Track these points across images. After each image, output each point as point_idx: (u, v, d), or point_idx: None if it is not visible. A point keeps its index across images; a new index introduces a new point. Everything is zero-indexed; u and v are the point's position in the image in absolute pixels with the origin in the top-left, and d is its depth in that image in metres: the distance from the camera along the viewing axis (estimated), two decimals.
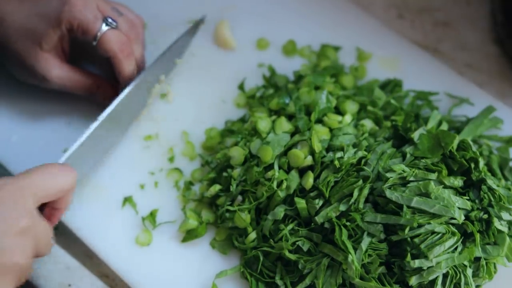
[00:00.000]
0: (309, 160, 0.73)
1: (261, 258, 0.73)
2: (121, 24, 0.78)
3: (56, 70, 0.77)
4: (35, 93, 0.83)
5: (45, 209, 0.67)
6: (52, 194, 0.64)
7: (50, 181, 0.63)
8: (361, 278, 0.68)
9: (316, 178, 0.73)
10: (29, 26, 0.75)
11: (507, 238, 0.70)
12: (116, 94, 0.78)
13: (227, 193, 0.76)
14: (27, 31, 0.75)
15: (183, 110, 0.85)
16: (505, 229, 0.70)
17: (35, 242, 0.61)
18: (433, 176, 0.70)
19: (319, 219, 0.70)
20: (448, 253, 0.67)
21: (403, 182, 0.70)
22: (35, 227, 0.61)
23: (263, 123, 0.77)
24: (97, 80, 0.80)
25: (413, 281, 0.68)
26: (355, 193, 0.70)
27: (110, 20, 0.76)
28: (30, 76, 0.78)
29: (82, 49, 0.83)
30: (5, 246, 0.58)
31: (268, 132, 0.77)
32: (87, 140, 0.74)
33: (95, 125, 0.74)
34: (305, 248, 0.71)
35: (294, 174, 0.73)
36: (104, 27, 0.76)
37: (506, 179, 0.76)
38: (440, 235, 0.67)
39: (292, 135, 0.76)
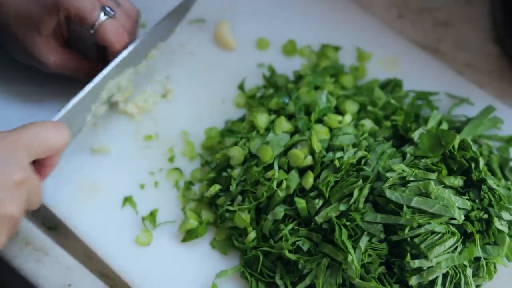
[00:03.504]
0: (309, 160, 0.73)
1: (261, 258, 0.73)
2: (118, 14, 0.78)
3: (54, 55, 0.78)
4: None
5: (35, 165, 0.67)
6: (45, 151, 0.65)
7: (44, 138, 0.64)
8: (361, 278, 0.68)
9: (316, 178, 0.73)
10: (28, 12, 0.75)
11: (507, 238, 0.70)
12: None
13: (227, 193, 0.76)
14: (25, 16, 0.75)
15: (183, 110, 0.85)
16: (505, 229, 0.70)
17: (27, 195, 0.63)
18: (433, 176, 0.70)
19: (319, 219, 0.70)
20: (448, 253, 0.67)
21: (403, 182, 0.70)
22: (28, 182, 0.62)
23: (262, 119, 0.77)
24: (94, 64, 0.81)
25: (413, 281, 0.68)
26: (355, 193, 0.70)
27: (108, 9, 0.76)
28: (28, 59, 0.79)
29: (79, 33, 0.84)
30: (1, 197, 0.59)
31: (266, 128, 0.77)
32: (81, 101, 0.75)
33: (89, 87, 0.75)
34: (305, 248, 0.71)
35: (294, 174, 0.73)
36: (103, 16, 0.76)
37: (506, 179, 0.76)
38: (440, 235, 0.67)
39: (292, 135, 0.76)
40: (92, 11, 0.75)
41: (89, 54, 0.83)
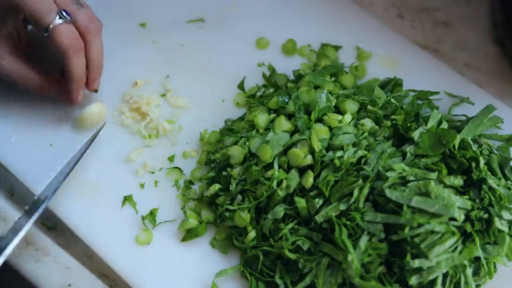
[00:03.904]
0: (309, 159, 0.73)
1: (261, 258, 0.73)
2: (80, 16, 0.76)
3: (6, 60, 0.76)
4: (34, 94, 0.83)
5: None
6: None
7: None
8: (361, 277, 0.67)
9: (316, 177, 0.73)
10: None
11: (507, 238, 0.70)
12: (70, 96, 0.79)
13: (227, 192, 0.76)
14: None
15: (183, 109, 0.85)
16: (505, 228, 0.70)
17: None
18: (433, 175, 0.70)
19: (319, 218, 0.70)
20: (448, 252, 0.67)
21: (403, 181, 0.70)
22: None
23: (262, 118, 0.77)
24: (50, 81, 0.79)
25: (413, 280, 0.67)
26: (355, 193, 0.70)
27: (64, 13, 0.74)
28: None
29: (41, 44, 0.83)
30: None
31: (266, 127, 0.77)
32: None
33: None
34: (305, 248, 0.71)
35: (294, 173, 0.73)
36: (58, 20, 0.74)
37: (506, 178, 0.76)
38: (440, 234, 0.67)
39: (292, 134, 0.76)
40: (47, 13, 0.73)
41: (52, 69, 0.81)
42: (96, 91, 0.82)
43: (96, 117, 0.82)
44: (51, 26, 0.73)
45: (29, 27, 0.81)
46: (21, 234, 0.71)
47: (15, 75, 0.77)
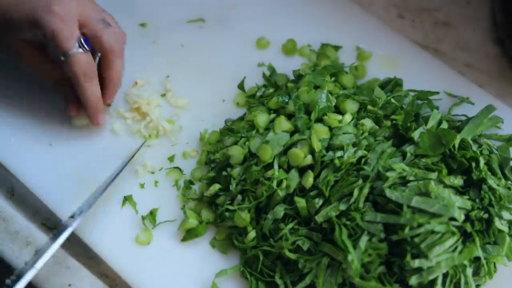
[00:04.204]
0: (309, 159, 0.73)
1: (261, 258, 0.73)
2: (106, 36, 0.76)
3: (26, 56, 0.76)
4: (34, 94, 0.83)
5: None
6: None
7: None
8: (361, 277, 0.68)
9: (316, 177, 0.73)
10: (8, 16, 0.73)
11: (507, 238, 0.70)
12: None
13: (227, 192, 0.76)
14: (6, 18, 0.73)
15: (183, 109, 0.85)
16: (505, 228, 0.70)
17: None
18: (433, 175, 0.70)
19: (319, 218, 0.70)
20: (448, 252, 0.67)
21: (403, 181, 0.70)
22: None
23: (262, 118, 0.77)
24: (66, 84, 0.79)
25: (413, 280, 0.67)
26: (355, 193, 0.70)
27: (83, 42, 0.75)
28: (7, 57, 0.78)
29: None
30: None
31: (266, 127, 0.77)
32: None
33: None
34: (305, 248, 0.71)
35: (294, 173, 0.73)
36: (77, 49, 0.74)
37: (506, 178, 0.76)
38: (440, 234, 0.67)
39: (292, 134, 0.76)
40: (68, 39, 0.73)
41: None
42: (109, 105, 0.83)
43: None
44: (69, 53, 0.74)
45: None
46: (46, 257, 0.71)
47: (35, 70, 0.78)
